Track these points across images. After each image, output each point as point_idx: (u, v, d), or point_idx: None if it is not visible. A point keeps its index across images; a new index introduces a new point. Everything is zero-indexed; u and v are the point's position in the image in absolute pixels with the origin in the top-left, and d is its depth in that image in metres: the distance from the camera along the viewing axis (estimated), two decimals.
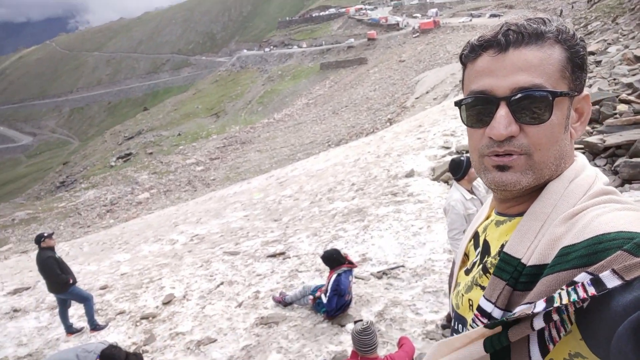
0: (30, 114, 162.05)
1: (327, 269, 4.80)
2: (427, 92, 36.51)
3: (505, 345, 0.68)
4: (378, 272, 5.54)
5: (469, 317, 0.85)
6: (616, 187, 5.56)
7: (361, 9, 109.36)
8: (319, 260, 6.05)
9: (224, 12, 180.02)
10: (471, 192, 3.63)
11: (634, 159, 5.71)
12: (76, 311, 6.33)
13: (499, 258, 0.78)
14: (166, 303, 6.17)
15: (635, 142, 5.88)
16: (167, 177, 42.70)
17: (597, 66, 11.36)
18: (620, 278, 0.55)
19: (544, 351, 0.67)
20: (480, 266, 0.87)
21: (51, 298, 6.71)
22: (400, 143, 14.87)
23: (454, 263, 1.04)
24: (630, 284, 0.55)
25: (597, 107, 7.33)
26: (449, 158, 8.58)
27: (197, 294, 6.28)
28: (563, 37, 0.76)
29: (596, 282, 0.57)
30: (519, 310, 0.66)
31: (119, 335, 5.52)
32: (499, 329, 0.68)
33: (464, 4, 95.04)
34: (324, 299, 4.57)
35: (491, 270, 0.80)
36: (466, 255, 1.00)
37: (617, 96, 7.44)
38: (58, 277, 5.69)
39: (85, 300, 5.86)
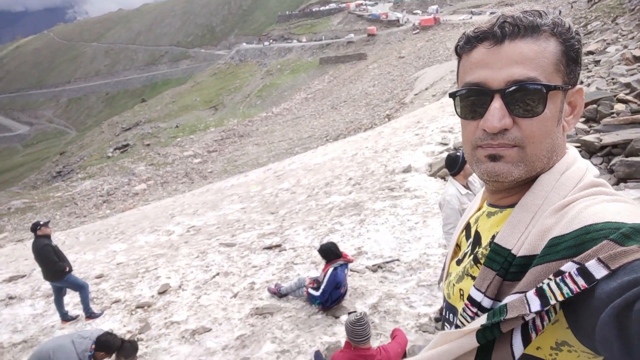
0: (27, 103, 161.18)
1: (323, 261, 4.83)
2: (426, 89, 36.51)
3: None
4: (373, 265, 5.57)
5: (460, 306, 0.85)
6: (612, 185, 5.60)
7: (361, 4, 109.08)
8: (315, 252, 6.08)
9: (224, 5, 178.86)
10: (467, 187, 3.66)
11: (629, 158, 5.74)
12: (71, 299, 6.34)
13: (489, 249, 0.79)
14: (162, 293, 6.19)
15: (632, 142, 5.91)
16: (164, 168, 42.63)
17: (595, 66, 11.39)
18: (606, 267, 0.56)
19: (527, 341, 0.68)
20: (472, 256, 0.87)
21: (47, 286, 6.71)
22: (398, 139, 14.88)
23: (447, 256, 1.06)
24: (615, 272, 0.56)
25: (594, 106, 7.36)
26: (446, 154, 8.61)
27: (192, 284, 6.30)
28: (559, 30, 0.75)
29: (583, 271, 0.58)
30: (510, 301, 0.67)
31: (114, 323, 5.53)
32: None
33: (465, 1, 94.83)
34: (314, 293, 4.61)
35: (482, 261, 0.80)
36: (458, 246, 1.01)
37: (614, 96, 7.46)
38: (55, 265, 5.69)
39: (81, 288, 5.86)
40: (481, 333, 0.71)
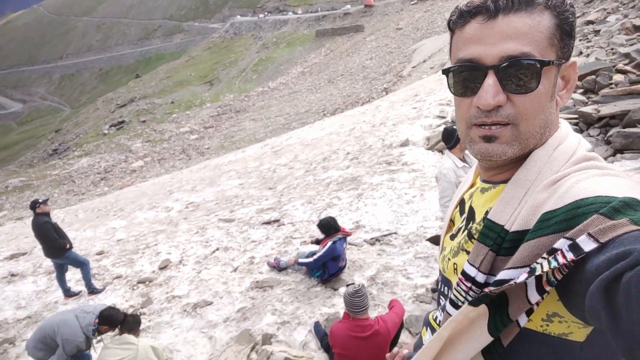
0: (19, 80, 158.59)
1: (322, 236, 4.87)
2: (424, 61, 36.01)
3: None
4: (371, 238, 5.63)
5: (454, 280, 0.87)
6: (608, 156, 5.62)
7: None
8: (313, 227, 6.14)
9: None
10: (463, 160, 3.67)
11: (626, 129, 5.73)
12: (73, 275, 6.42)
13: (483, 224, 0.80)
14: (162, 268, 6.27)
15: (630, 112, 5.89)
16: (161, 145, 42.37)
17: (595, 35, 11.23)
18: (596, 241, 0.57)
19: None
20: (466, 232, 0.89)
21: (48, 263, 6.78)
22: (395, 112, 14.80)
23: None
24: (605, 245, 0.57)
25: (593, 77, 7.29)
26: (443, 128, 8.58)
27: (192, 259, 6.37)
28: (553, 2, 0.74)
29: (574, 247, 0.59)
30: (502, 276, 0.69)
31: (116, 298, 5.63)
32: (484, 309, 0.72)
33: None
34: (304, 260, 4.69)
35: (476, 236, 0.81)
36: (452, 221, 1.02)
37: (613, 66, 7.39)
38: (55, 242, 5.73)
39: (82, 264, 5.93)
40: (492, 325, 0.72)
